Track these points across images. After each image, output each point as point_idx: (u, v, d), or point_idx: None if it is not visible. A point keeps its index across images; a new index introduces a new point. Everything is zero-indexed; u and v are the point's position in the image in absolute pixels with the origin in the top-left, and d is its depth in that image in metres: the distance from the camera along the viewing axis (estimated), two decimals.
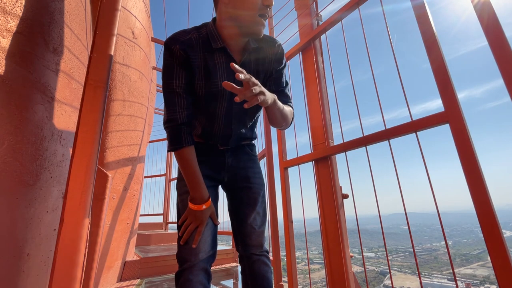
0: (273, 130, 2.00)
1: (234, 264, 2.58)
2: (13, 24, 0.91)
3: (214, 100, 0.87)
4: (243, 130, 0.98)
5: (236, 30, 0.81)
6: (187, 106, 0.84)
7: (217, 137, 0.96)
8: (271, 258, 1.82)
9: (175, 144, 0.83)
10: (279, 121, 0.89)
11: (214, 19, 0.86)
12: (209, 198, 0.87)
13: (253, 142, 1.10)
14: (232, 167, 1.00)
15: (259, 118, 1.05)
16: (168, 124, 0.84)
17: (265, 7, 0.75)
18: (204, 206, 0.84)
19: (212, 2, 0.87)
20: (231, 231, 2.69)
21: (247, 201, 0.98)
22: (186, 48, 0.80)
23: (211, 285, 0.96)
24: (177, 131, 0.83)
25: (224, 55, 0.84)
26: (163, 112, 5.23)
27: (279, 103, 0.84)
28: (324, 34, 1.64)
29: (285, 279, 1.70)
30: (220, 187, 1.06)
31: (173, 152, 0.87)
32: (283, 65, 0.95)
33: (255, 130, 1.08)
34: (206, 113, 0.91)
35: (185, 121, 0.83)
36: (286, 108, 0.90)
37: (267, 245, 1.02)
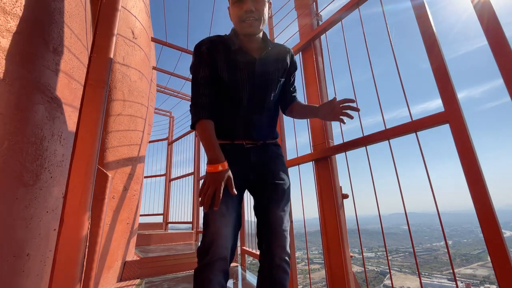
0: None
1: (234, 264, 2.58)
2: (13, 24, 0.91)
3: (237, 88, 1.01)
4: (264, 116, 1.08)
5: (241, 33, 1.00)
6: (209, 94, 0.98)
7: (240, 125, 1.04)
8: None
9: (195, 118, 0.95)
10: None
11: (232, 30, 1.06)
12: (226, 161, 0.90)
13: (277, 142, 1.15)
14: (258, 163, 1.04)
15: (277, 117, 1.17)
16: (193, 106, 0.98)
17: (243, 13, 0.93)
18: (220, 167, 0.87)
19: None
20: None
21: (274, 198, 0.99)
22: (210, 47, 0.99)
23: None
24: (202, 108, 0.96)
25: (243, 53, 1.01)
26: (163, 112, 5.20)
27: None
28: (324, 34, 1.64)
29: None
30: (246, 190, 1.09)
31: (195, 130, 0.99)
32: (296, 69, 1.16)
33: (276, 129, 1.16)
34: (229, 98, 1.03)
35: (206, 103, 0.97)
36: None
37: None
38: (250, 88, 1.01)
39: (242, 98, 1.02)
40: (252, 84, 1.01)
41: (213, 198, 0.83)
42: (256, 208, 1.04)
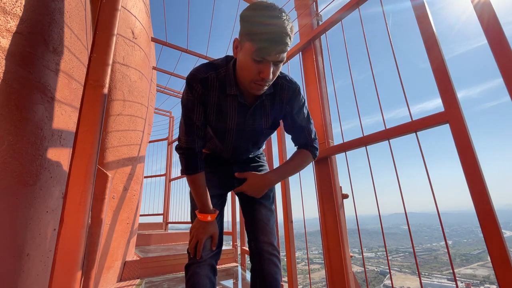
0: None
1: (234, 264, 2.58)
2: (13, 24, 0.91)
3: (222, 134, 0.96)
4: (250, 151, 1.08)
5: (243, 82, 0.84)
6: (203, 136, 0.94)
7: (227, 153, 1.06)
8: None
9: (191, 170, 0.93)
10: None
11: (235, 61, 0.87)
12: (215, 213, 0.97)
13: (260, 151, 1.19)
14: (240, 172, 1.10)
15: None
16: (186, 151, 0.92)
17: (259, 78, 0.77)
18: (209, 217, 0.95)
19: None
20: (231, 231, 2.71)
21: (257, 198, 1.04)
22: (203, 86, 0.86)
23: None
24: (194, 158, 0.92)
25: (237, 101, 0.90)
26: (163, 112, 5.16)
27: (288, 169, 1.03)
28: (324, 34, 1.64)
29: (285, 279, 1.70)
30: (231, 192, 1.13)
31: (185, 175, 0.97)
32: (296, 106, 0.96)
33: (263, 145, 1.17)
34: (215, 140, 1.02)
35: (200, 149, 0.94)
36: (297, 162, 1.02)
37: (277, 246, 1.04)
38: (237, 135, 0.96)
39: (227, 140, 0.98)
40: (240, 133, 0.96)
41: (195, 247, 0.93)
42: (243, 208, 1.10)
